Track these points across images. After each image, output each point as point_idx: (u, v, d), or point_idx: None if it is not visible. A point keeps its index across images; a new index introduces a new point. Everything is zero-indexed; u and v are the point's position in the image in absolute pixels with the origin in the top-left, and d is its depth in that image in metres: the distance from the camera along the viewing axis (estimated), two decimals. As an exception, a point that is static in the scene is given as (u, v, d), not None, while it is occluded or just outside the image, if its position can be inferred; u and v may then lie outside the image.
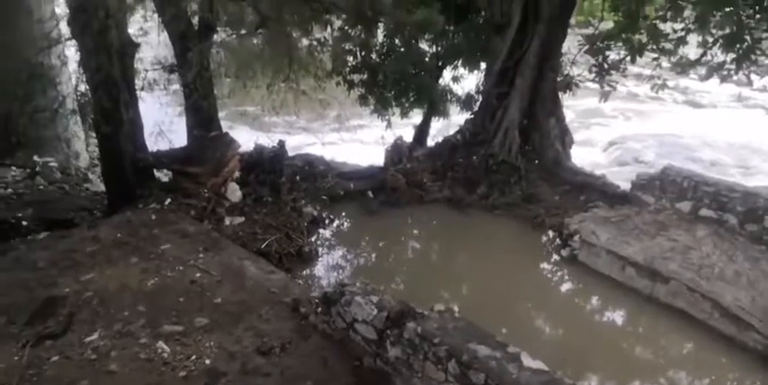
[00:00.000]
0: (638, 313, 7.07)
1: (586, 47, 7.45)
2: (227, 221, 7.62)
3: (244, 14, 7.68)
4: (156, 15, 7.46)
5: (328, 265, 7.75)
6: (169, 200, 7.51)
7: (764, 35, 5.48)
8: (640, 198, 9.13)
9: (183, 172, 7.77)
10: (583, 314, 7.29)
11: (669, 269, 7.06)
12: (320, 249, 7.99)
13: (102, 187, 8.95)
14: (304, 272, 7.45)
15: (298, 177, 9.15)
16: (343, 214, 9.05)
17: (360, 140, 10.81)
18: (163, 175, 8.09)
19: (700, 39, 6.60)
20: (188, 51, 7.34)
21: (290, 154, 9.50)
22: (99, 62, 6.45)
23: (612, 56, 8.60)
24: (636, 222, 8.39)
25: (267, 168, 8.61)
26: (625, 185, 9.86)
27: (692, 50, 7.09)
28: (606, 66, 7.64)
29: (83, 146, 10.97)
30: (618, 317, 7.26)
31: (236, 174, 8.15)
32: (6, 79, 7.29)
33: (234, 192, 8.05)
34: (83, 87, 8.80)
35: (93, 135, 8.88)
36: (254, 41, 8.24)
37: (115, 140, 7.42)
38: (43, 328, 4.82)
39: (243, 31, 7.71)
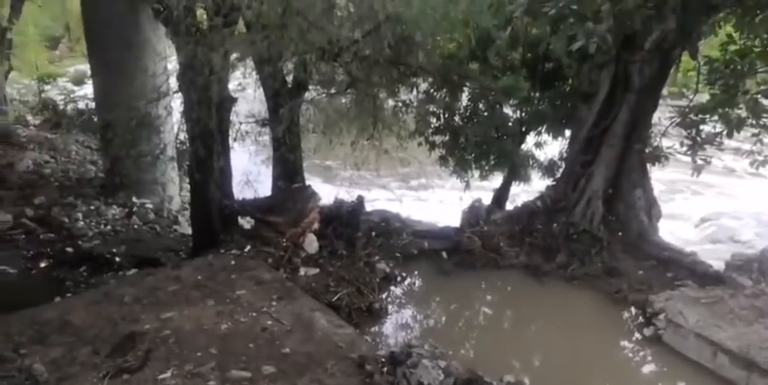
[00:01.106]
0: (731, 405, 6.41)
1: (678, 119, 7.22)
2: (302, 272, 7.77)
3: (335, 75, 8.12)
4: (254, 73, 8.03)
5: (397, 324, 7.63)
6: (249, 246, 7.78)
7: None
8: (735, 280, 8.46)
9: (265, 220, 8.07)
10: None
11: (768, 360, 6.43)
12: (390, 307, 7.91)
13: (189, 230, 9.46)
14: (372, 328, 7.37)
15: (373, 233, 9.24)
16: (416, 273, 8.97)
17: (437, 200, 10.86)
18: (246, 223, 8.42)
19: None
20: (280, 107, 7.81)
21: (368, 209, 9.67)
22: (199, 114, 6.99)
23: (707, 128, 8.29)
24: (730, 306, 7.74)
25: (345, 222, 8.78)
26: (718, 265, 9.21)
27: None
28: (700, 139, 7.35)
29: (177, 190, 11.74)
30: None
31: (315, 226, 8.36)
32: (119, 126, 8.03)
33: (311, 244, 8.24)
34: (182, 136, 9.50)
35: (187, 180, 9.48)
36: (343, 101, 8.69)
37: (205, 187, 7.89)
38: (122, 362, 5.03)
39: (332, 91, 8.13)
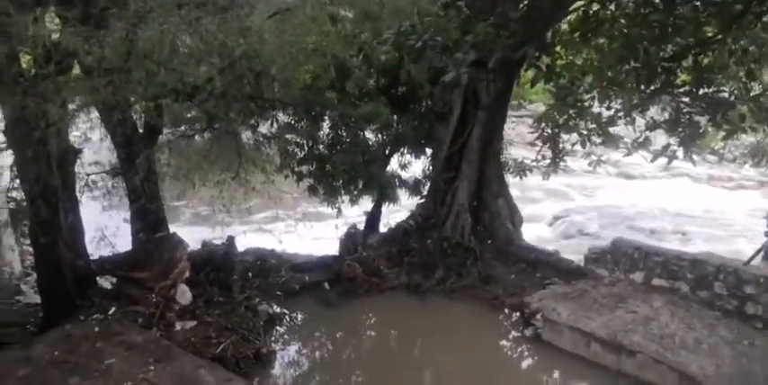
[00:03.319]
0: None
1: (537, 134, 7.86)
2: (178, 326, 7.17)
3: (190, 115, 7.70)
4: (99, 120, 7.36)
5: (289, 366, 7.33)
6: (113, 308, 7.05)
7: (702, 120, 5.99)
8: (595, 271, 9.33)
9: (129, 277, 7.38)
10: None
11: (633, 342, 7.10)
12: (279, 350, 7.58)
13: (36, 299, 8.31)
14: (264, 375, 7.00)
15: (250, 273, 8.83)
16: (301, 309, 8.69)
17: (313, 231, 10.72)
18: (106, 282, 7.63)
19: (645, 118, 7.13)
20: (133, 155, 7.22)
21: (241, 250, 9.24)
22: (38, 171, 6.22)
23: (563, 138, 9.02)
24: (594, 296, 8.50)
25: (217, 266, 8.30)
26: (576, 258, 10.09)
27: (630, 128, 7.60)
28: (559, 153, 8.08)
29: (16, 256, 10.32)
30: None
31: (186, 275, 7.78)
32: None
33: (184, 295, 7.64)
34: (15, 194, 8.39)
35: (28, 243, 8.37)
36: (200, 139, 8.26)
37: (53, 249, 7.00)
38: None
39: (190, 132, 7.69)
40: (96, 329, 6.62)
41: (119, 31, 5.46)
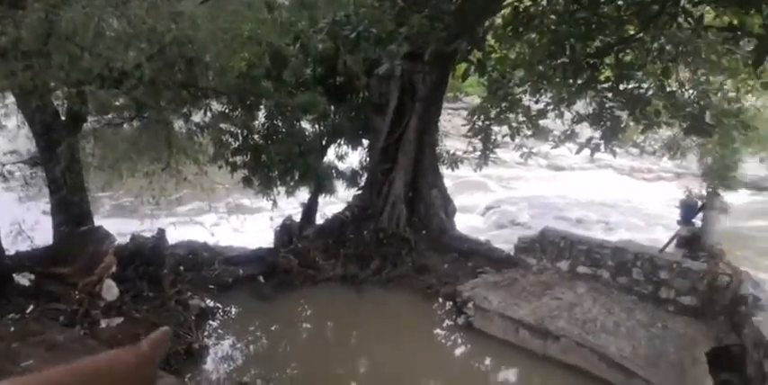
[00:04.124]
0: (533, 373, 7.28)
1: (470, 127, 8.03)
2: (104, 324, 6.87)
3: (118, 102, 7.33)
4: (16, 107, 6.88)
5: (222, 361, 7.16)
6: (32, 307, 6.65)
7: (623, 114, 6.29)
8: (524, 260, 9.67)
9: (49, 273, 6.98)
10: (482, 379, 7.38)
11: (558, 327, 7.43)
12: (211, 345, 7.41)
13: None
14: (195, 372, 6.82)
15: (181, 267, 8.58)
16: (234, 303, 8.53)
17: (248, 223, 10.49)
18: (24, 279, 7.18)
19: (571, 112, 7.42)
20: (54, 144, 6.79)
21: (172, 243, 8.94)
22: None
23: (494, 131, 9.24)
24: (523, 284, 8.83)
25: (147, 260, 7.98)
26: (506, 247, 10.42)
27: (558, 121, 7.89)
28: (491, 145, 8.29)
29: None
30: (514, 378, 7.44)
31: (113, 269, 7.45)
32: None
33: (110, 290, 7.32)
34: None
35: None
36: (127, 127, 7.88)
37: (-39, 246, 6.54)
38: None
39: (118, 121, 7.32)
40: (12, 329, 6.23)
41: (37, 11, 5.11)
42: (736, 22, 5.16)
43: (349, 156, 11.19)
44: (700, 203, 10.23)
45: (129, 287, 7.65)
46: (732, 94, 8.59)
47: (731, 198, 10.84)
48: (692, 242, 10.09)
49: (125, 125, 7.71)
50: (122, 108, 7.19)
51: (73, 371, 0.81)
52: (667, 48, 6.36)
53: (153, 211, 7.93)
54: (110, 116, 7.42)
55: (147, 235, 8.31)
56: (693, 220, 10.42)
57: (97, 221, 8.16)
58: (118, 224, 8.99)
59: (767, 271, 11.25)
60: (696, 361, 6.66)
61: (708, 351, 6.90)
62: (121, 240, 7.99)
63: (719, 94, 8.39)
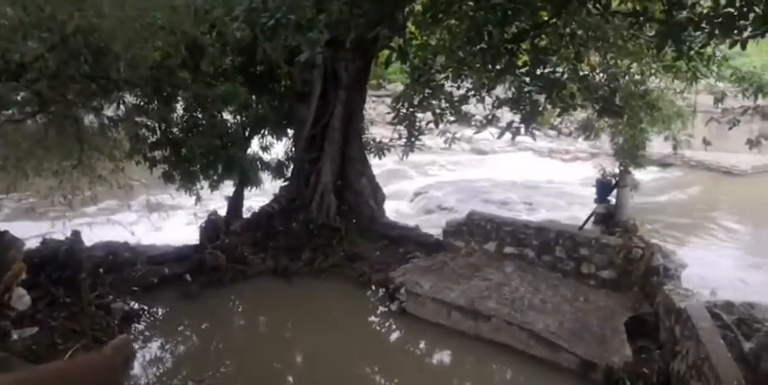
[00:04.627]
0: (466, 354, 7.48)
1: (394, 114, 8.02)
2: (16, 335, 6.44)
3: (17, 96, 6.76)
4: None
5: (150, 365, 6.88)
6: (-69, 322, 6.12)
7: (540, 98, 6.48)
8: (453, 244, 9.88)
9: (-49, 284, 6.43)
10: (416, 363, 7.53)
11: (488, 307, 7.66)
12: (138, 348, 7.11)
13: None
14: (123, 377, 6.51)
15: (101, 269, 8.14)
16: (160, 304, 8.20)
17: (170, 220, 10.05)
18: None
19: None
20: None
21: (89, 244, 8.46)
22: None
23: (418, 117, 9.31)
24: (452, 267, 9.03)
25: (61, 264, 7.54)
26: (436, 232, 10.61)
27: (480, 106, 8.04)
28: (415, 131, 8.32)
29: None
30: (449, 360, 7.62)
31: (23, 276, 6.96)
32: None
33: (21, 299, 6.85)
34: None
35: None
36: (31, 123, 7.32)
37: None
38: None
39: (18, 116, 6.77)
40: None
41: None
42: (639, 8, 5.43)
43: (274, 147, 10.96)
44: (613, 181, 10.79)
45: (43, 294, 7.22)
46: (638, 77, 9.06)
47: (641, 175, 11.50)
48: (607, 218, 10.65)
49: (28, 121, 7.14)
50: (24, 103, 6.64)
51: (43, 374, 0.74)
52: (579, 32, 6.60)
53: (65, 213, 7.43)
54: (9, 112, 6.85)
55: (60, 237, 7.82)
56: (608, 198, 10.98)
57: (1, 226, 7.57)
58: (25, 228, 8.37)
59: (675, 242, 12.13)
60: (615, 330, 7.08)
61: (626, 320, 7.34)
62: (31, 245, 7.47)
63: (626, 77, 8.83)
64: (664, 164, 19.11)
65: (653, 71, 9.04)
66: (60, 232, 7.80)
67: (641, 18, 5.04)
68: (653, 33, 6.09)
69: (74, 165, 7.05)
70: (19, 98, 6.67)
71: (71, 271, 7.54)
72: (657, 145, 11.09)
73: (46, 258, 7.50)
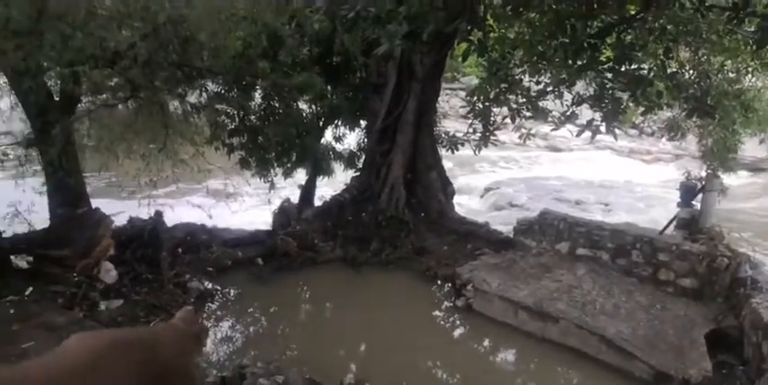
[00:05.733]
0: (532, 355, 7.30)
1: (469, 109, 7.91)
2: (103, 306, 6.88)
3: (111, 82, 7.20)
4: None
5: (222, 344, 7.18)
6: (30, 289, 6.64)
7: (624, 96, 6.19)
8: (523, 242, 9.66)
9: (47, 255, 6.95)
10: (481, 361, 7.41)
11: (557, 309, 7.43)
12: (211, 326, 7.42)
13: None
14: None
15: (179, 250, 8.56)
16: (233, 285, 8.52)
17: (245, 205, 10.43)
18: (22, 262, 7.16)
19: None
20: (48, 125, 6.69)
21: (170, 225, 8.90)
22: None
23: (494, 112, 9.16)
24: (522, 266, 8.83)
25: (145, 243, 7.97)
26: (505, 229, 10.41)
27: (558, 102, 7.79)
28: (490, 126, 8.18)
29: None
30: (513, 360, 7.47)
31: (111, 252, 7.44)
32: None
33: (108, 273, 7.31)
34: None
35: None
36: (122, 108, 7.77)
37: (-41, 226, 6.50)
38: None
39: (113, 101, 7.21)
40: (12, 311, 6.23)
41: (27, -11, 4.98)
42: (739, 1, 5.05)
43: (347, 138, 11.09)
44: (699, 185, 10.18)
45: (128, 269, 7.66)
46: (732, 75, 8.49)
47: (730, 179, 10.79)
48: (691, 224, 10.06)
49: (120, 106, 7.59)
50: (117, 88, 7.06)
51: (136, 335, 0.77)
52: (669, 27, 6.24)
53: (149, 193, 7.85)
54: (104, 97, 7.30)
55: (144, 217, 8.27)
56: (693, 202, 10.39)
57: (92, 203, 8.11)
58: (111, 205, 8.90)
59: (766, 253, 11.31)
60: (695, 342, 6.69)
61: (706, 332, 6.93)
62: (117, 222, 7.94)
63: (720, 75, 8.29)
64: (756, 168, 17.86)
65: (750, 69, 8.44)
66: (144, 210, 8.23)
67: (741, 12, 4.67)
68: (753, 28, 5.66)
69: (159, 149, 7.42)
70: (112, 84, 7.09)
71: (153, 249, 7.96)
72: (750, 148, 10.35)
73: (132, 236, 7.94)
